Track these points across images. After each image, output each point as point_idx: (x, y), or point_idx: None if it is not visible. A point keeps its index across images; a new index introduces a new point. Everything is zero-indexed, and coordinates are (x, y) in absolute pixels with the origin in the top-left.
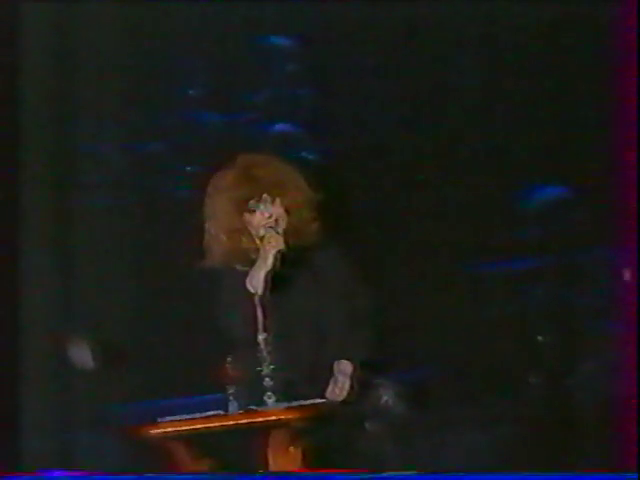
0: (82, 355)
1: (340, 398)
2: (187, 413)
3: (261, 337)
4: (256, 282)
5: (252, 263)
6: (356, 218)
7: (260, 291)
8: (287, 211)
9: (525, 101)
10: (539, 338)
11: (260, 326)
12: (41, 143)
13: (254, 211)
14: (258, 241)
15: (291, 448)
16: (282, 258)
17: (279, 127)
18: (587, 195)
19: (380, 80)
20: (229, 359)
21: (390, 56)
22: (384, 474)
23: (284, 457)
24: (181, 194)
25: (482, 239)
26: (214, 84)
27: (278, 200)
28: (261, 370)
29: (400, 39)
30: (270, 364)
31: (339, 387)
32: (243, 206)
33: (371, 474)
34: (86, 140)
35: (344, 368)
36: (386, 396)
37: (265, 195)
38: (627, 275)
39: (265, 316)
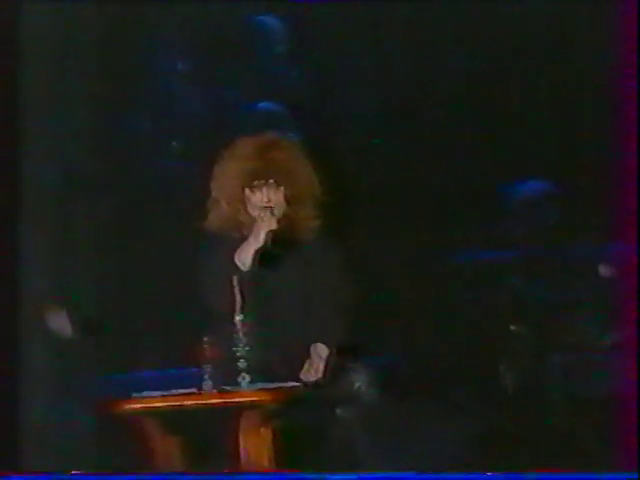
0: (61, 323)
1: (314, 380)
2: (163, 386)
3: (238, 318)
4: (245, 257)
5: (243, 237)
6: (340, 205)
7: (248, 267)
8: (288, 202)
9: (516, 94)
10: (512, 328)
11: (238, 307)
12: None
13: (256, 190)
14: (253, 218)
15: (262, 429)
16: (273, 240)
17: (264, 106)
18: (571, 190)
19: (369, 66)
20: (206, 338)
21: (382, 41)
22: (381, 473)
23: (255, 438)
24: (167, 168)
25: (463, 230)
26: (203, 61)
27: (282, 189)
28: (236, 351)
29: (394, 24)
30: (246, 345)
31: (314, 369)
32: (248, 181)
33: (370, 473)
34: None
35: (320, 351)
36: (359, 382)
37: (272, 180)
38: (604, 270)
39: (243, 298)
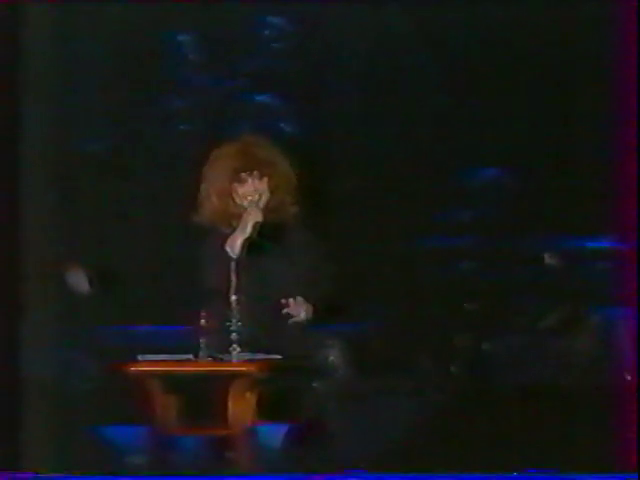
0: (79, 280)
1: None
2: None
3: (233, 297)
4: (234, 246)
5: (233, 228)
6: (315, 194)
7: (236, 254)
8: (271, 191)
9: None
10: (465, 305)
11: (233, 288)
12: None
13: (243, 182)
14: (241, 209)
15: (247, 394)
16: (259, 229)
17: (261, 97)
18: (526, 179)
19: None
20: (204, 313)
21: (376, 42)
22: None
23: (241, 401)
24: (173, 150)
25: (425, 218)
26: (209, 55)
27: (265, 179)
28: (230, 325)
29: (388, 24)
30: (238, 320)
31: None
32: (235, 176)
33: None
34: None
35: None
36: (332, 355)
37: (256, 172)
38: (548, 258)
39: (238, 279)
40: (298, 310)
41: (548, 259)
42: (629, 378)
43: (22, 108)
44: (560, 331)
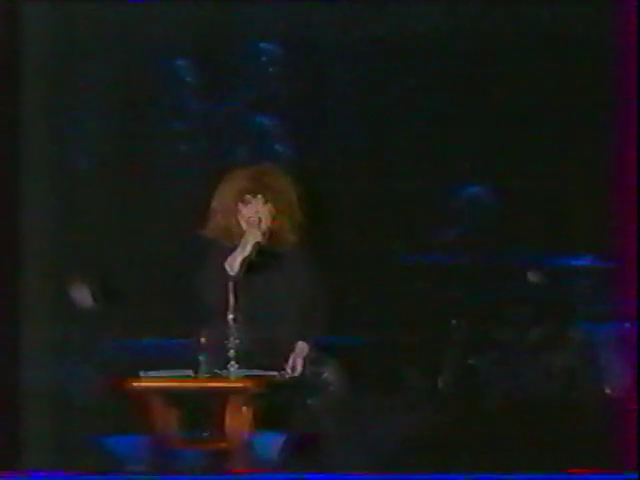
0: (82, 295)
1: (295, 374)
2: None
3: (231, 316)
4: (233, 264)
5: (235, 245)
6: (314, 220)
7: (235, 272)
8: (273, 217)
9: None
10: (453, 322)
11: (231, 307)
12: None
13: (247, 204)
14: (243, 229)
15: (244, 408)
16: (259, 250)
17: (259, 119)
18: (512, 196)
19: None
20: (203, 331)
21: (368, 64)
22: (384, 474)
23: (238, 415)
24: (177, 167)
25: (416, 236)
26: (207, 78)
27: (269, 204)
28: (228, 343)
29: (382, 38)
30: (236, 338)
31: (292, 365)
32: (241, 197)
33: (370, 474)
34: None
35: (301, 348)
36: (326, 372)
37: (260, 195)
38: (531, 276)
39: (236, 299)
40: (296, 363)
41: (535, 276)
42: (609, 392)
43: (23, 121)
44: (549, 346)
